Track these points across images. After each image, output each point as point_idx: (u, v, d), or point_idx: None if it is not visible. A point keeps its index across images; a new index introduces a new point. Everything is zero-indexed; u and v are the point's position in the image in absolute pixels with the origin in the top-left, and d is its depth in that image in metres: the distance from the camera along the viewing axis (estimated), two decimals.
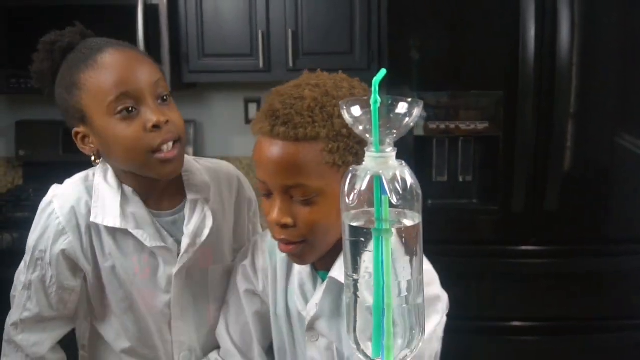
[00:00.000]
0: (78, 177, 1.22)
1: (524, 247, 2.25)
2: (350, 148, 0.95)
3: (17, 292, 1.22)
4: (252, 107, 2.91)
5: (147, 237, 1.16)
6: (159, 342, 1.24)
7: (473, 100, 2.16)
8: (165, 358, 1.25)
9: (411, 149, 2.16)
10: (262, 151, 0.96)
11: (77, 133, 1.13)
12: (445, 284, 1.07)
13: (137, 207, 1.17)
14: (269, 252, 1.16)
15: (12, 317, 1.23)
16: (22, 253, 1.23)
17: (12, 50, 2.50)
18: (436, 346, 1.03)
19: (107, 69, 1.07)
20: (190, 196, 1.19)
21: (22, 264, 1.22)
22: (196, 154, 2.83)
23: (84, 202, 1.18)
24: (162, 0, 2.43)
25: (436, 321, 1.01)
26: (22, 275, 1.22)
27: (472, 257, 2.19)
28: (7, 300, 1.26)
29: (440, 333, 1.04)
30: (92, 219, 1.16)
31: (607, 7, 2.12)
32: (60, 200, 1.18)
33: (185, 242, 1.18)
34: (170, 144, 1.09)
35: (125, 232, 1.17)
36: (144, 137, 1.07)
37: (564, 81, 2.11)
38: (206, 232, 1.18)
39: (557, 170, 2.18)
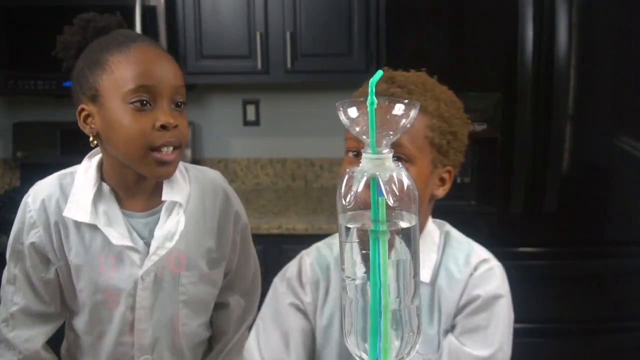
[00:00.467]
0: (57, 174, 1.23)
1: (522, 249, 2.25)
2: (446, 134, 1.05)
3: (3, 288, 1.23)
4: (250, 109, 2.91)
5: (115, 235, 1.16)
6: (122, 345, 1.23)
7: (471, 101, 2.14)
8: (127, 358, 1.24)
9: None
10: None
11: (82, 110, 1.13)
12: None
13: (110, 205, 1.17)
14: (318, 264, 1.18)
15: (2, 314, 1.23)
16: None
17: (10, 51, 2.49)
18: (507, 352, 1.06)
19: (136, 58, 1.09)
20: (167, 199, 1.19)
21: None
22: (194, 155, 2.82)
23: (55, 199, 1.19)
24: (160, 2, 2.42)
25: (497, 325, 1.06)
26: (6, 271, 1.22)
27: None
28: None
29: (509, 335, 1.09)
30: (64, 213, 1.16)
31: (605, 8, 2.12)
32: (34, 195, 1.20)
33: (154, 245, 1.17)
34: (171, 148, 1.10)
35: (93, 230, 1.17)
36: (148, 134, 1.08)
37: (562, 83, 2.11)
38: (176, 237, 1.17)
39: (555, 172, 2.18)
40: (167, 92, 1.09)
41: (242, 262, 1.33)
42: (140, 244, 1.18)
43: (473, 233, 1.20)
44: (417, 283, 0.65)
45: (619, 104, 2.20)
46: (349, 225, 0.63)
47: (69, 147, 2.70)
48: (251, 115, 2.91)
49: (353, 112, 0.62)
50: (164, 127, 1.08)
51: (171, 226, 1.18)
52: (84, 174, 1.19)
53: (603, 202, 2.24)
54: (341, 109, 0.63)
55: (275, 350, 1.15)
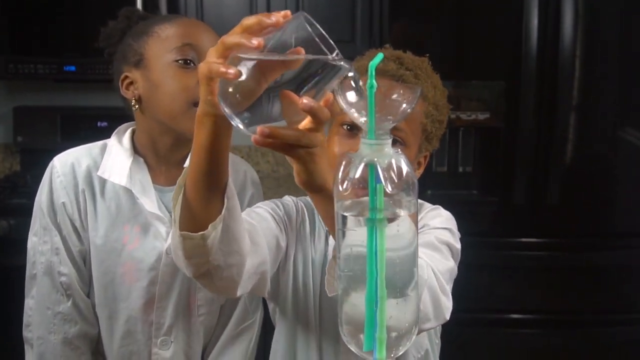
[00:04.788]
0: (84, 145, 1.26)
1: (524, 239, 2.24)
2: (435, 122, 1.08)
3: (39, 268, 1.21)
4: None
5: (148, 202, 1.18)
6: (139, 323, 1.22)
7: (475, 90, 2.14)
8: (142, 339, 1.23)
9: None
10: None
11: (125, 77, 1.18)
12: None
13: (143, 175, 1.21)
14: (304, 204, 1.14)
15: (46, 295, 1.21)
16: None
17: (11, 35, 2.48)
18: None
19: (182, 22, 1.18)
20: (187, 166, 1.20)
21: (33, 243, 1.22)
22: None
23: (86, 165, 1.21)
24: None
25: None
26: (38, 252, 1.21)
27: (471, 248, 2.15)
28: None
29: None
30: (99, 173, 1.19)
31: None
32: (61, 159, 1.22)
33: None
34: None
35: (119, 199, 1.19)
36: (192, 88, 1.11)
37: (567, 73, 2.09)
38: None
39: (558, 163, 2.17)
40: None
41: None
42: (168, 216, 1.19)
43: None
44: (415, 273, 0.64)
45: (624, 95, 2.18)
46: (345, 214, 0.62)
47: (69, 132, 2.68)
48: None
49: (351, 95, 0.61)
50: None
51: None
52: (119, 141, 1.22)
53: (606, 193, 2.23)
54: (339, 92, 0.62)
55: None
